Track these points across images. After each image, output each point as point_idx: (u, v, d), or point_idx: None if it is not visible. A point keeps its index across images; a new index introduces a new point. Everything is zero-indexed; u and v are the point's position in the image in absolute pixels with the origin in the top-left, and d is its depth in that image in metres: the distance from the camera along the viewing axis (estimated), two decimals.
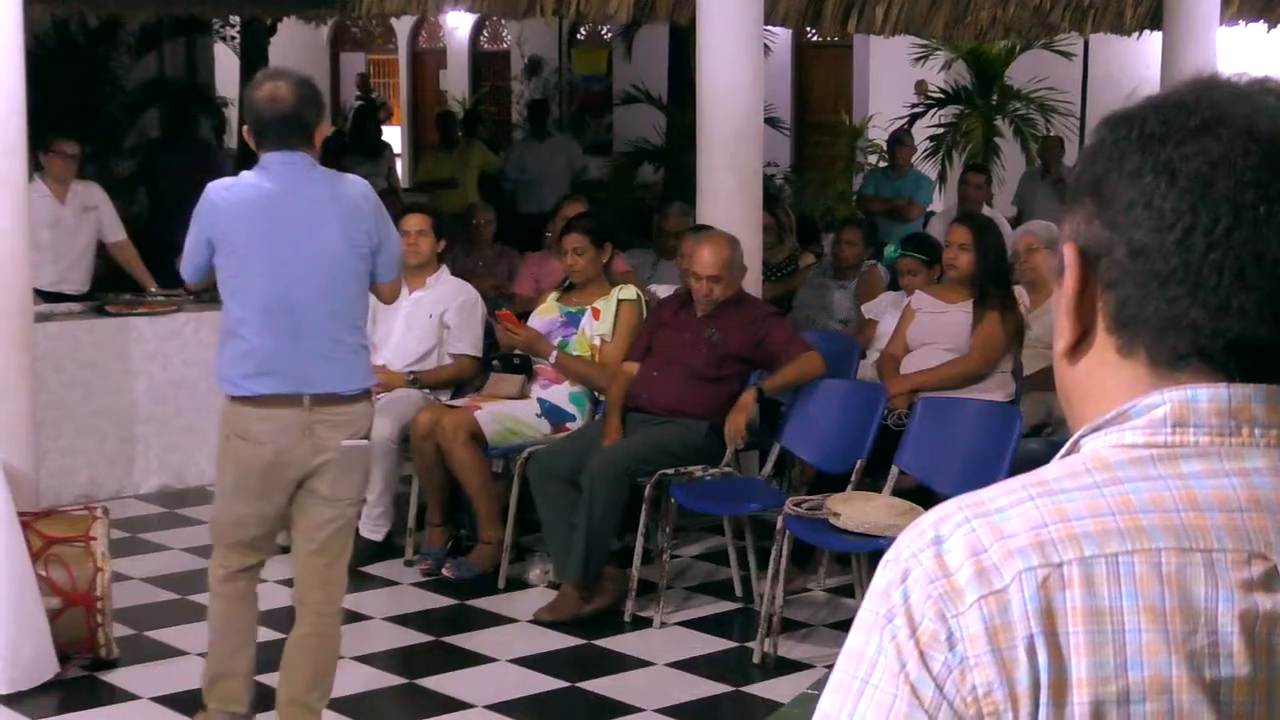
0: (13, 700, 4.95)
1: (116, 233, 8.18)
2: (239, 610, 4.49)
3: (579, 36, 21.08)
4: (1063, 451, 1.13)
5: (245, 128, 4.39)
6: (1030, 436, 5.91)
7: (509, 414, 6.38)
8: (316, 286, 4.23)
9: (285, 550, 4.77)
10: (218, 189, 4.32)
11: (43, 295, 7.29)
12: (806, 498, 5.62)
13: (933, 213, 10.87)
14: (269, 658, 4.60)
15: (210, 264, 4.30)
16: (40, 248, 7.35)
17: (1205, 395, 1.08)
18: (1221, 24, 9.86)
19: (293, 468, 4.26)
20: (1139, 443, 1.09)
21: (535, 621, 5.80)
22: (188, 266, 4.40)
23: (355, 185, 4.38)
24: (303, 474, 4.28)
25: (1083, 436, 1.12)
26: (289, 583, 5.87)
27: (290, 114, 4.23)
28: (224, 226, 4.25)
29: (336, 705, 4.99)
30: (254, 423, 4.24)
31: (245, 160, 4.86)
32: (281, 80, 4.31)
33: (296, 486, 4.31)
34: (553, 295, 6.70)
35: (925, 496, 5.49)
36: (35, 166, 7.37)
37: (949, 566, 1.05)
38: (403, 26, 23.51)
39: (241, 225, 4.23)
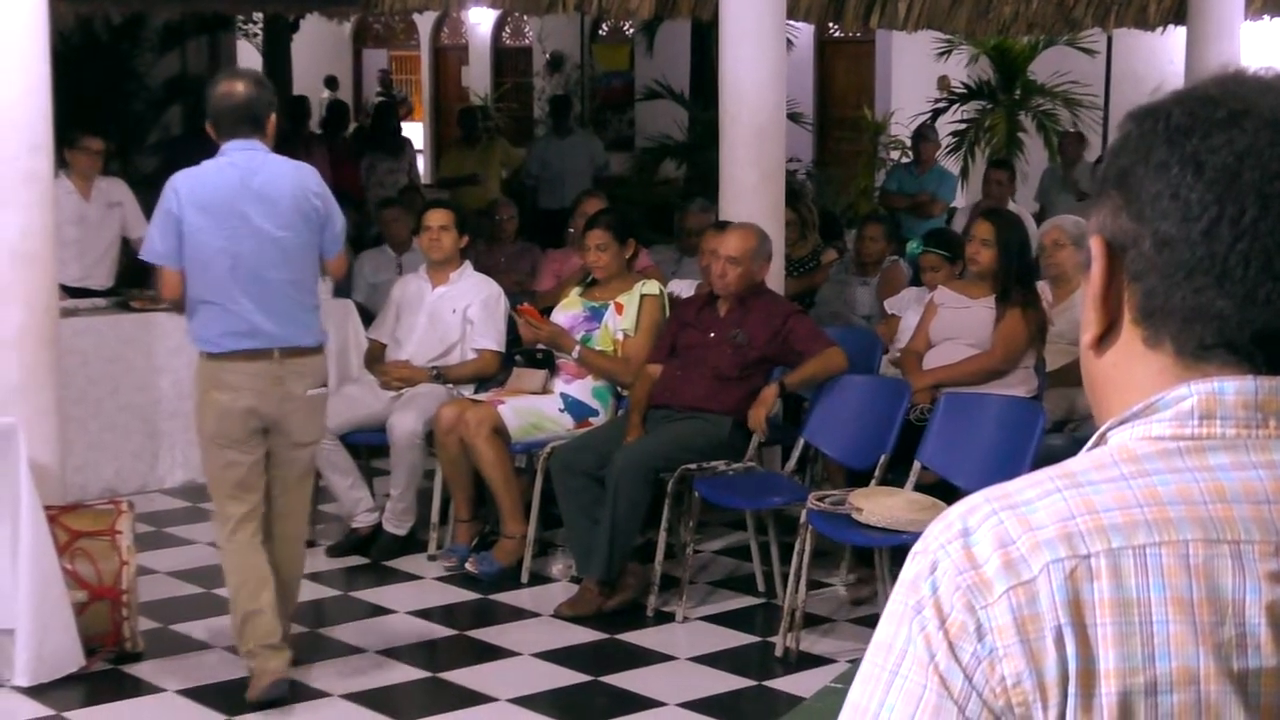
0: (39, 692, 4.98)
1: (141, 229, 8.18)
2: (251, 556, 4.92)
3: (601, 32, 21.09)
4: (1090, 444, 1.13)
5: (208, 121, 4.98)
6: (1053, 432, 5.90)
7: (532, 409, 6.39)
8: (275, 256, 4.85)
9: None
10: (182, 178, 4.92)
11: (68, 291, 7.31)
12: (829, 492, 5.62)
13: (956, 208, 10.84)
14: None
15: (179, 246, 4.84)
16: (65, 244, 7.38)
17: (1232, 387, 1.08)
18: (1245, 19, 9.82)
19: (265, 412, 4.87)
20: (1166, 435, 1.09)
21: (557, 616, 5.81)
22: (157, 249, 4.90)
23: (303, 169, 4.98)
24: (274, 419, 4.89)
25: (1110, 429, 1.12)
26: (313, 577, 5.90)
27: (241, 106, 4.86)
28: (191, 209, 4.83)
29: (361, 699, 5.01)
30: (231, 375, 4.85)
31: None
32: (236, 78, 5.04)
33: (267, 433, 4.90)
34: (575, 290, 6.71)
35: (947, 492, 5.48)
36: (60, 163, 7.40)
37: (977, 558, 1.06)
38: (425, 22, 23.55)
39: (208, 206, 4.82)
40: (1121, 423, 1.12)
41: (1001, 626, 1.04)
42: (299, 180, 4.90)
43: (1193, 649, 1.03)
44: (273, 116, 4.94)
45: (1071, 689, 1.03)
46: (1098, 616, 1.03)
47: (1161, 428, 1.09)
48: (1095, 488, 1.07)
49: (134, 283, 8.14)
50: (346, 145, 13.37)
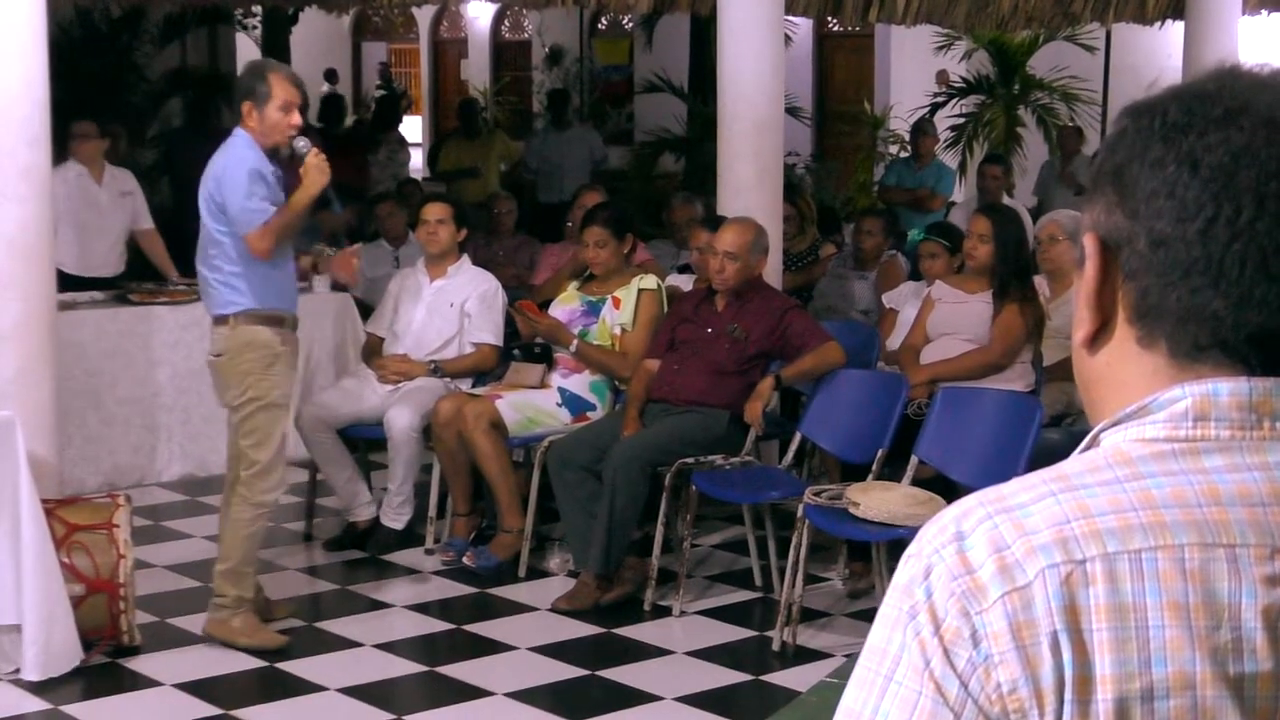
0: (35, 686, 4.97)
1: (146, 220, 8.22)
2: (224, 512, 5.45)
3: (600, 26, 21.09)
4: (1083, 446, 1.12)
5: None
6: (1050, 427, 5.90)
7: (529, 403, 6.38)
8: (202, 235, 5.32)
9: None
10: None
11: (75, 280, 7.32)
12: (826, 486, 5.62)
13: (954, 203, 10.84)
14: None
15: None
16: (75, 227, 7.40)
17: (1226, 389, 1.08)
18: (1244, 14, 9.82)
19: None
20: (1160, 437, 1.08)
21: (554, 610, 5.81)
22: None
23: (227, 156, 5.22)
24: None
25: (1103, 431, 1.11)
26: (310, 571, 5.92)
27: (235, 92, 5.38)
28: None
29: (358, 692, 5.01)
30: None
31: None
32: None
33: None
34: (573, 285, 6.70)
35: (944, 486, 5.48)
36: (63, 153, 7.39)
37: (972, 563, 1.05)
38: (424, 16, 23.55)
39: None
40: (1115, 424, 1.10)
41: (997, 632, 1.03)
42: (214, 167, 5.24)
43: (1189, 654, 1.02)
44: (247, 104, 5.18)
45: (1068, 695, 1.02)
46: (1093, 622, 1.03)
47: (1155, 429, 1.08)
48: (1089, 491, 1.06)
49: (132, 275, 8.13)
50: (344, 139, 13.37)
